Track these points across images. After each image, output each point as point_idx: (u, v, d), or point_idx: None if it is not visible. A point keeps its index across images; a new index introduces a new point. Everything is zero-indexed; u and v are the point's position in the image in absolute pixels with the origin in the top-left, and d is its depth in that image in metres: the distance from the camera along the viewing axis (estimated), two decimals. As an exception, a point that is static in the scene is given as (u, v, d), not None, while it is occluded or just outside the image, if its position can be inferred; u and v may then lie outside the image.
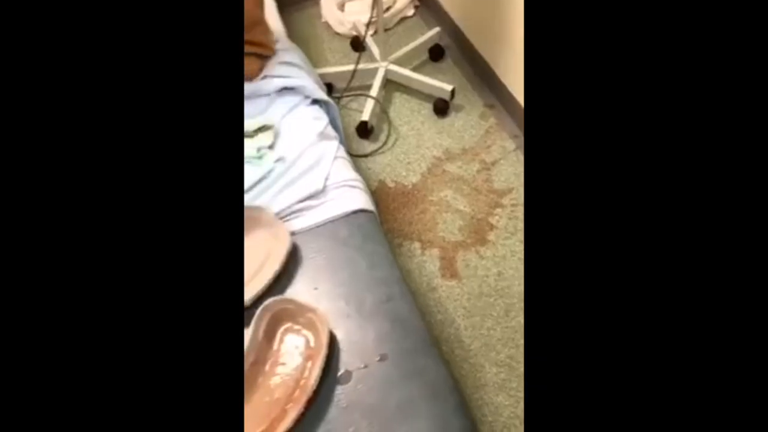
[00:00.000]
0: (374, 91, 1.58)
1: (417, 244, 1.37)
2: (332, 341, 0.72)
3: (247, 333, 0.72)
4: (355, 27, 1.78)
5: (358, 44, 1.78)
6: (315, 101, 1.03)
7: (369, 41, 1.68)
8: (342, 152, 0.95)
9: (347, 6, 1.83)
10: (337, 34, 1.86)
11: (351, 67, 1.58)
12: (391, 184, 1.52)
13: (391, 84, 1.69)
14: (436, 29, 1.70)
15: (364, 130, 1.54)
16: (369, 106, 1.56)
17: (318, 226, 0.84)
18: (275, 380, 0.71)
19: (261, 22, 1.02)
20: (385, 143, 1.59)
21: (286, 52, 1.08)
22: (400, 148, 1.60)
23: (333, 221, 0.85)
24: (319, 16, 1.90)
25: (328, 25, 1.87)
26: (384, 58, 1.64)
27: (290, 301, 0.74)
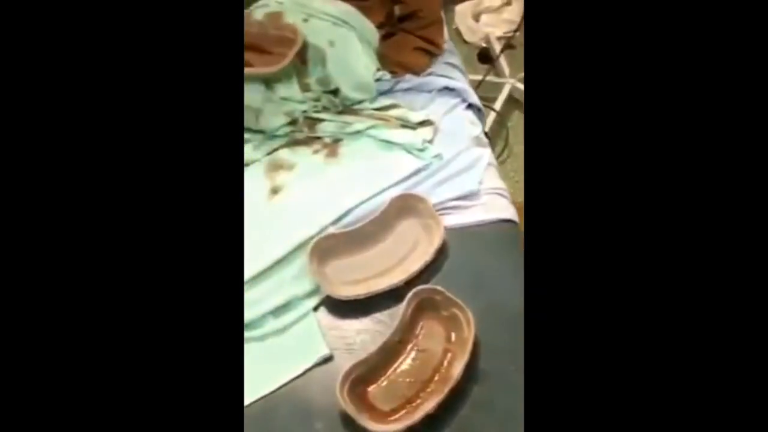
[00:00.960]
0: (497, 106, 1.60)
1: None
2: (475, 340, 0.74)
3: (399, 311, 0.75)
4: (486, 39, 1.81)
5: (485, 56, 1.80)
6: (469, 106, 1.05)
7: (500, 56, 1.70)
8: (493, 160, 0.97)
9: (483, 17, 1.86)
10: (465, 42, 1.89)
11: (478, 77, 1.61)
12: (497, 199, 1.54)
13: (512, 101, 1.70)
14: (569, 57, 1.71)
15: (482, 141, 1.56)
16: (490, 118, 1.58)
17: (467, 227, 0.87)
18: (413, 364, 0.74)
19: (438, 22, 1.06)
20: (497, 158, 1.60)
21: (451, 54, 1.11)
22: (511, 166, 1.61)
23: (481, 225, 0.87)
24: (451, 21, 1.93)
25: (458, 32, 1.90)
26: (513, 74, 1.65)
27: (439, 292, 0.77)
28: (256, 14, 0.96)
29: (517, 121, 1.70)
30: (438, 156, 0.92)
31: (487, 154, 0.96)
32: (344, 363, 0.74)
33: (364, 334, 0.79)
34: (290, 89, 0.91)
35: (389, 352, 0.74)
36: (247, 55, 0.90)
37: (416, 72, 1.03)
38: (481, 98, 1.67)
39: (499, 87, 1.65)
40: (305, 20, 0.93)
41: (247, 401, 0.71)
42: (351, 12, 0.96)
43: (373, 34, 1.00)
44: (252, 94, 0.89)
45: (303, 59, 0.93)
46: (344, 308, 0.80)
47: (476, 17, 1.88)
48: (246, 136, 0.92)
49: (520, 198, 1.54)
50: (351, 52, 0.94)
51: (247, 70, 0.86)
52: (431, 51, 1.05)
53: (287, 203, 0.86)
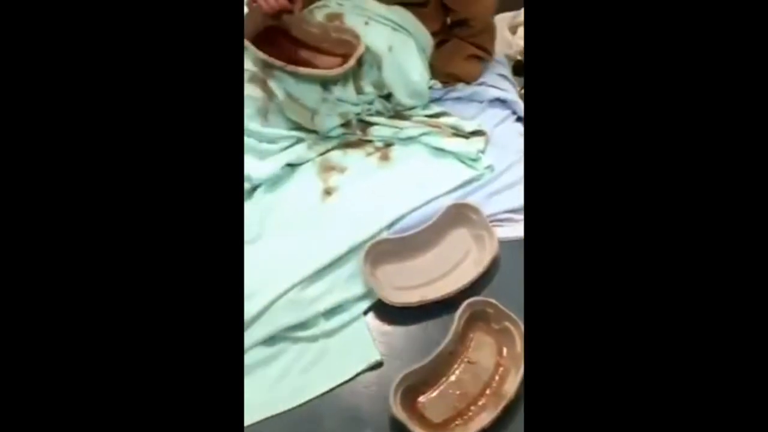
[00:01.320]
0: (532, 119, 1.60)
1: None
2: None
3: (447, 321, 0.75)
4: (522, 52, 1.80)
5: (520, 69, 1.80)
6: (519, 119, 1.05)
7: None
8: (544, 175, 0.97)
9: (519, 30, 1.85)
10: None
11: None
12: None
13: (546, 116, 1.70)
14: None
15: (516, 154, 1.56)
16: (526, 131, 1.57)
17: (518, 240, 0.86)
18: (464, 376, 0.74)
19: (490, 29, 1.06)
20: (530, 171, 1.60)
21: (501, 64, 1.11)
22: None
23: (532, 239, 0.86)
24: (487, 32, 1.93)
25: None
26: (550, 89, 1.65)
27: (492, 304, 0.76)
28: (316, 15, 0.95)
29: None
30: (490, 167, 0.92)
31: (537, 167, 0.95)
32: (392, 370, 0.73)
33: (411, 341, 0.78)
34: (346, 91, 0.91)
35: (441, 362, 0.73)
36: (309, 56, 0.90)
37: (468, 81, 1.03)
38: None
39: (534, 101, 1.65)
40: (366, 23, 0.93)
41: (296, 403, 0.70)
42: (410, 18, 0.95)
43: (429, 41, 0.99)
44: (309, 94, 0.89)
45: (360, 62, 0.93)
46: (393, 314, 0.80)
47: (513, 30, 1.88)
48: (300, 134, 0.92)
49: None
50: (408, 58, 0.94)
51: (307, 71, 0.86)
52: (483, 57, 1.05)
53: (341, 205, 0.85)
